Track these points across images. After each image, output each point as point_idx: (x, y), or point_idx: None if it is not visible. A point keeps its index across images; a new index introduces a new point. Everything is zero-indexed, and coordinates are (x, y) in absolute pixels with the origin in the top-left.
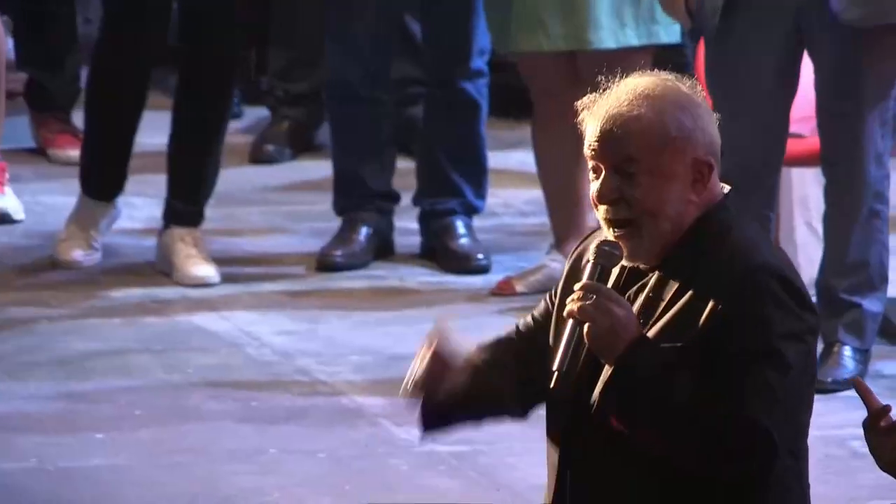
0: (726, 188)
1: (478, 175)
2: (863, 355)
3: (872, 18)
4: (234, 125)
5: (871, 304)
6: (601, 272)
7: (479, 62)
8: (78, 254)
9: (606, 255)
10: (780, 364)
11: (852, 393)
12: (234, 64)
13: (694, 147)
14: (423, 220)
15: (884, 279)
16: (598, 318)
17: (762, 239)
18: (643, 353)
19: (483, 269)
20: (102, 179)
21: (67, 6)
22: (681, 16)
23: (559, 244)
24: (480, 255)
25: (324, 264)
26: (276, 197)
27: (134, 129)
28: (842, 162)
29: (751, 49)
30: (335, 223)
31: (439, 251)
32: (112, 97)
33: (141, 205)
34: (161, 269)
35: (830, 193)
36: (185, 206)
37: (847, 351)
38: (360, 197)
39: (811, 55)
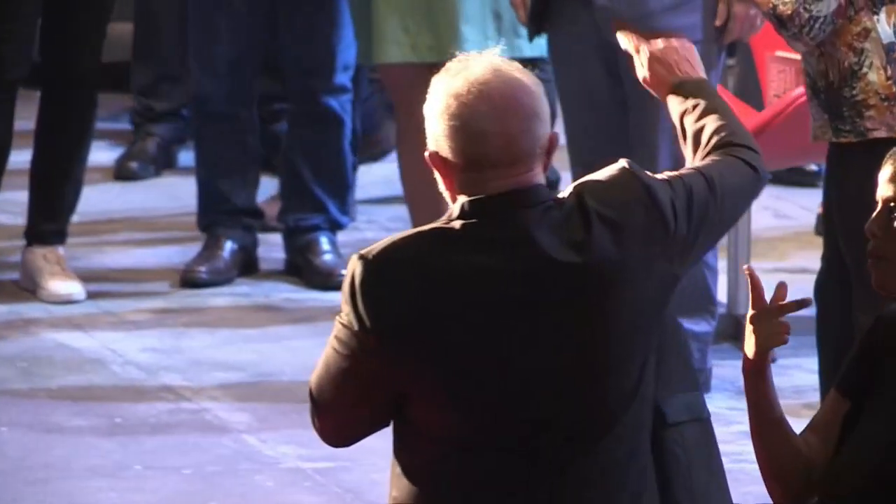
0: None
1: (342, 191)
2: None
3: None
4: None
5: (696, 325)
6: None
7: (343, 78)
8: None
9: None
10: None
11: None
12: (96, 85)
13: None
14: (288, 236)
15: (709, 299)
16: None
17: None
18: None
19: None
20: None
21: None
22: (520, 12)
23: None
24: (344, 271)
25: (188, 280)
26: (140, 214)
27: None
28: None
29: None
30: (199, 240)
31: (303, 267)
32: None
33: (4, 221)
34: (25, 286)
35: None
36: (47, 225)
37: None
38: (224, 213)
39: None
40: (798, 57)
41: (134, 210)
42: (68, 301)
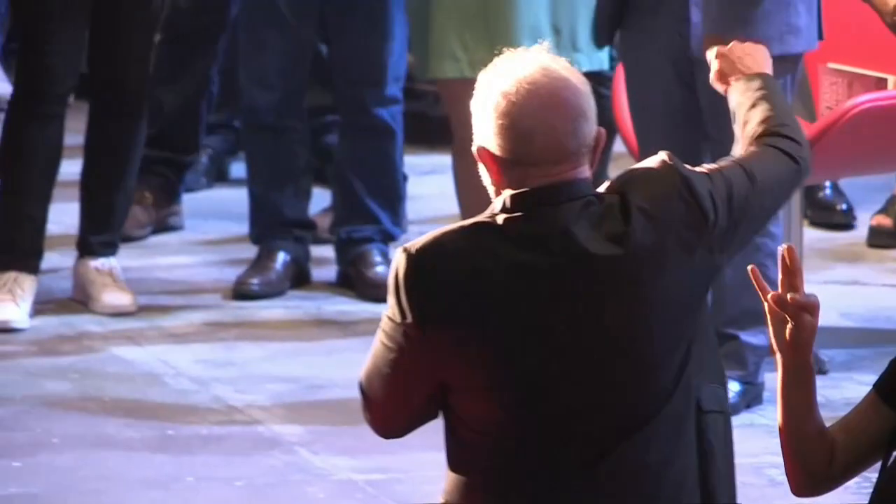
0: None
1: (394, 202)
2: (748, 387)
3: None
4: None
5: (752, 337)
6: None
7: (394, 89)
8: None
9: None
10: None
11: (767, 421)
12: (144, 96)
13: None
14: (340, 248)
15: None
16: None
17: None
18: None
19: None
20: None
21: None
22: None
23: None
24: None
25: (240, 293)
26: (193, 225)
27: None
28: None
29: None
30: (252, 252)
31: (356, 279)
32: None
33: (56, 232)
34: (78, 299)
35: None
36: (98, 237)
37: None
38: (276, 225)
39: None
40: (850, 69)
41: (186, 222)
42: (120, 313)
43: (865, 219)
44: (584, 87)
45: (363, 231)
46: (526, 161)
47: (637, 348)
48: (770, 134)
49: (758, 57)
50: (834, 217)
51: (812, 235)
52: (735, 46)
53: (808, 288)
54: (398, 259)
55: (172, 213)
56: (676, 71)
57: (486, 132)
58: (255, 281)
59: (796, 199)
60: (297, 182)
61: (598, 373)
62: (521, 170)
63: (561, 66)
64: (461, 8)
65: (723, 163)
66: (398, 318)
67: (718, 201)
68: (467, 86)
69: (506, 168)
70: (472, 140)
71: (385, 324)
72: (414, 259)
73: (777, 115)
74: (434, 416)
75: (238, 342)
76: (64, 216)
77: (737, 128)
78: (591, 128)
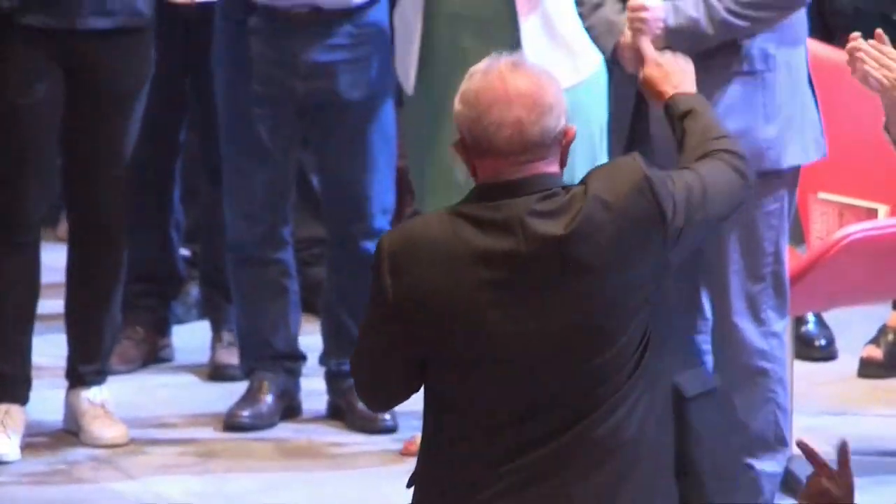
0: None
1: None
2: None
3: None
4: None
5: (766, 465)
6: None
7: (381, 221)
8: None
9: None
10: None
11: None
12: (121, 221)
13: None
14: (330, 379)
15: (780, 440)
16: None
17: None
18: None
19: (390, 430)
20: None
21: None
22: None
23: None
24: (387, 416)
25: (231, 425)
26: (184, 356)
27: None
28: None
29: None
30: (243, 383)
31: (346, 411)
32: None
33: (46, 364)
34: (69, 428)
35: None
36: (87, 366)
37: None
38: (266, 358)
39: None
40: (841, 199)
41: (178, 352)
42: (111, 445)
43: (856, 348)
44: (553, 83)
45: None
46: (495, 151)
47: (584, 334)
48: (717, 150)
49: (688, 77)
50: (813, 353)
51: (803, 367)
52: (669, 59)
53: (799, 419)
54: (378, 243)
55: (164, 346)
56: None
57: (460, 126)
58: (245, 413)
59: (788, 336)
60: (285, 314)
61: (557, 351)
62: (492, 160)
63: (531, 64)
64: None
65: (682, 171)
66: (378, 295)
67: (677, 203)
68: None
69: (477, 159)
70: None
71: (368, 304)
72: (390, 241)
73: (719, 133)
74: (416, 390)
75: (229, 474)
76: (54, 348)
77: (680, 141)
78: (559, 122)
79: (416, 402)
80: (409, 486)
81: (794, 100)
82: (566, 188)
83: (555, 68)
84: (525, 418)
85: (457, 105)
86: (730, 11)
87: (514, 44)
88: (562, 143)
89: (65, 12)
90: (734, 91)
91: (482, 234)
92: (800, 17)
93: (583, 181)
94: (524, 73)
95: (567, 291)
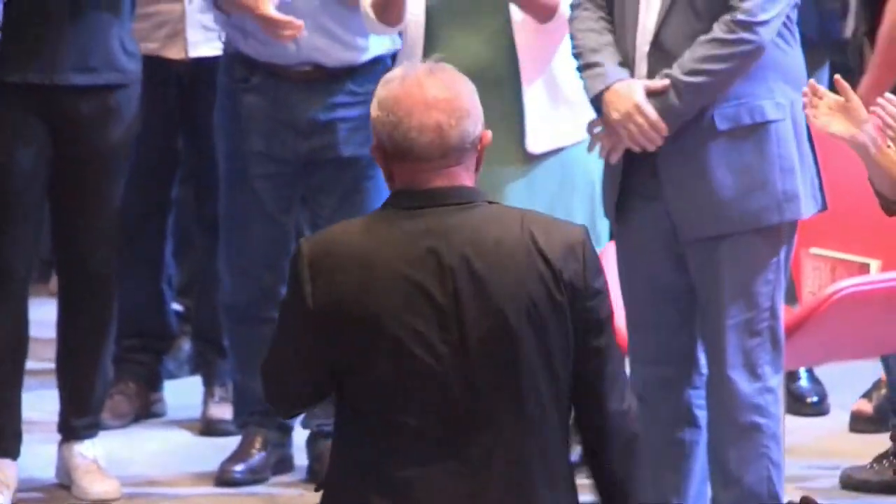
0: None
1: None
2: None
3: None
4: None
5: None
6: None
7: None
8: None
9: None
10: None
11: None
12: (110, 274)
13: None
14: (310, 442)
15: (773, 495)
16: None
17: None
18: None
19: None
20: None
21: None
22: None
23: None
24: None
25: (223, 480)
26: (175, 412)
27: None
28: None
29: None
30: (235, 438)
31: (321, 474)
32: None
33: (37, 419)
34: (61, 482)
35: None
36: (79, 419)
37: None
38: (258, 414)
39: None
40: (834, 254)
41: (170, 407)
42: (103, 500)
43: (848, 403)
44: (469, 88)
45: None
46: (412, 155)
47: (509, 337)
48: None
49: None
50: (803, 409)
51: (795, 422)
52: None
53: (790, 472)
54: (297, 248)
55: (156, 401)
56: (668, 251)
57: (377, 131)
58: (238, 468)
59: (781, 393)
60: None
61: (477, 359)
62: (409, 164)
63: (448, 70)
64: None
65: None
66: (292, 302)
67: (593, 293)
68: None
69: (394, 164)
70: None
71: (281, 308)
72: (310, 247)
73: None
74: (326, 395)
75: None
76: (46, 403)
77: None
78: (476, 127)
79: None
80: (317, 489)
81: (801, 149)
82: (489, 201)
83: (558, 126)
84: (445, 423)
85: (374, 111)
86: (688, 73)
87: (516, 101)
88: (478, 149)
89: (45, 68)
90: (747, 146)
91: (390, 241)
92: (798, 63)
93: (517, 208)
94: (441, 78)
95: (476, 304)
